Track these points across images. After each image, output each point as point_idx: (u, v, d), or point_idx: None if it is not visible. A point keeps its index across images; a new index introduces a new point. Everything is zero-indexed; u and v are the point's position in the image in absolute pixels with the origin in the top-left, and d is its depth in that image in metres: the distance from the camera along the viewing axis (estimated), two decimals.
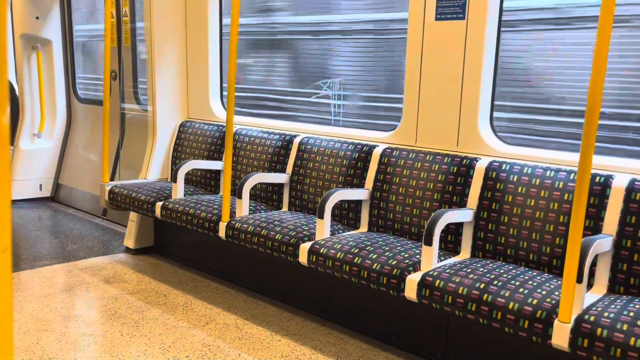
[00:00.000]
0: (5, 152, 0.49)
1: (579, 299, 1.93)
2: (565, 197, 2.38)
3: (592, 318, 1.88)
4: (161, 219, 3.38)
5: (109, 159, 3.82)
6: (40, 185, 5.42)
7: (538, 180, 2.47)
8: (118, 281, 3.48)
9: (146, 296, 3.26)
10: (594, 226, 2.29)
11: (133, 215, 4.02)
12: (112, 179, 4.80)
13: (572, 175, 2.40)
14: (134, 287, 3.39)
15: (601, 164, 2.39)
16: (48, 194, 5.49)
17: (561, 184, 2.41)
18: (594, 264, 2.26)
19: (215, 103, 4.06)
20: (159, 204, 3.39)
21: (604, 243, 2.15)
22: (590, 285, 2.27)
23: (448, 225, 2.62)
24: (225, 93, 4.07)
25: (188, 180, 3.90)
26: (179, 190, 3.46)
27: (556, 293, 2.06)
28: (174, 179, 3.47)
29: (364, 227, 3.01)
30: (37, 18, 5.19)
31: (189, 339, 2.74)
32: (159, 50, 3.94)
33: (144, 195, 3.51)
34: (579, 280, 1.92)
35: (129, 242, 4.02)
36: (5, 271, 0.48)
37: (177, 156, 4.04)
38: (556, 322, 1.91)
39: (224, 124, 3.87)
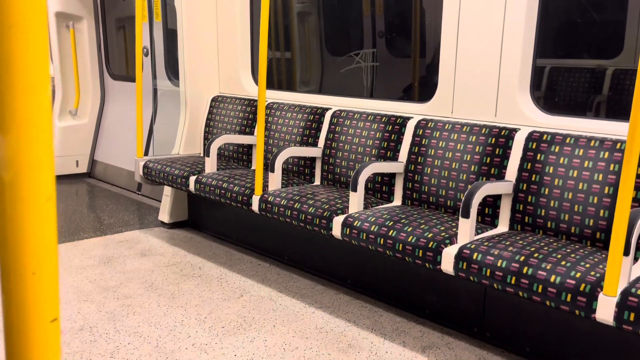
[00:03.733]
0: (47, 114, 0.48)
1: (626, 271, 1.86)
2: (611, 168, 2.28)
3: (639, 292, 1.81)
4: (195, 193, 3.41)
5: (142, 134, 3.86)
6: (77, 162, 5.53)
7: (581, 151, 2.37)
8: (154, 254, 3.54)
9: (181, 269, 3.31)
10: None
11: (167, 190, 4.06)
12: (145, 154, 4.86)
13: (619, 145, 2.30)
14: (169, 260, 3.44)
15: None
16: (84, 170, 5.60)
17: (607, 154, 2.31)
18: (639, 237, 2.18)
19: (245, 77, 4.03)
20: (193, 178, 3.41)
21: None
22: (636, 259, 2.18)
23: (485, 198, 2.56)
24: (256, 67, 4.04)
25: (220, 154, 3.91)
26: (212, 165, 3.48)
27: (600, 266, 1.99)
28: (207, 153, 3.48)
29: (397, 201, 2.97)
30: None
31: (224, 310, 2.78)
32: (189, 26, 3.93)
33: (177, 170, 3.54)
34: (626, 252, 1.85)
35: (164, 216, 4.07)
36: (49, 220, 0.47)
37: (209, 131, 4.05)
38: (601, 295, 1.85)
39: (255, 98, 3.85)
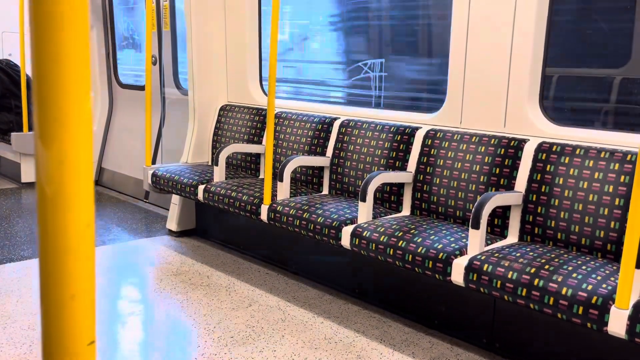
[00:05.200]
0: (89, 130, 0.49)
1: (638, 284, 1.86)
2: (622, 180, 2.28)
3: None
4: (203, 202, 3.42)
5: (151, 142, 3.88)
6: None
7: (592, 162, 2.37)
8: (161, 263, 3.54)
9: (190, 277, 3.32)
10: None
11: (175, 198, 4.08)
12: (153, 162, 4.88)
13: (630, 156, 2.30)
14: (177, 269, 3.45)
15: None
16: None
17: (617, 165, 2.31)
18: None
19: (254, 87, 4.05)
20: (201, 187, 3.43)
21: None
22: None
23: (495, 209, 2.56)
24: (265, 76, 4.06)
25: (228, 163, 3.93)
26: (220, 174, 3.49)
27: (612, 279, 1.99)
28: (215, 162, 3.49)
29: (406, 211, 2.97)
30: None
31: (233, 320, 2.78)
32: (198, 35, 3.96)
33: (186, 179, 3.56)
34: (638, 265, 1.84)
35: (172, 224, 4.09)
36: (89, 244, 0.48)
37: (218, 140, 4.07)
38: (613, 308, 1.84)
39: (264, 108, 3.87)
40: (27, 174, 5.39)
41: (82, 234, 0.48)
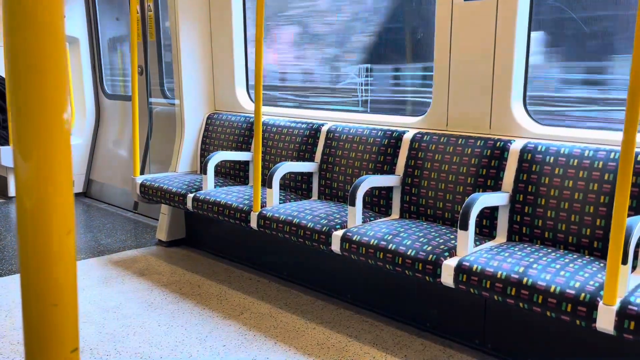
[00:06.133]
0: (67, 143, 0.49)
1: (624, 280, 1.88)
2: (606, 177, 2.31)
3: (638, 300, 1.82)
4: (192, 211, 3.41)
5: (138, 153, 3.86)
6: (72, 182, 5.52)
7: (576, 161, 2.40)
8: (152, 273, 3.52)
9: (180, 287, 3.30)
10: (637, 206, 2.22)
11: (164, 208, 4.06)
12: (141, 172, 4.86)
13: (613, 154, 2.33)
14: (168, 279, 3.43)
15: None
16: (80, 189, 5.59)
17: (601, 163, 2.34)
18: (637, 245, 2.20)
19: (241, 94, 4.06)
20: (190, 195, 3.42)
21: None
22: (634, 267, 2.20)
23: (483, 210, 2.58)
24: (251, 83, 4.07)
25: (217, 171, 3.92)
26: (209, 182, 3.48)
27: (599, 275, 2.01)
28: (204, 170, 3.49)
29: (395, 214, 2.98)
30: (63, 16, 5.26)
31: (225, 329, 2.77)
32: (184, 44, 3.96)
33: (175, 188, 3.55)
34: (624, 261, 1.87)
35: (161, 234, 4.07)
36: (70, 252, 0.48)
37: (206, 148, 4.07)
38: (601, 304, 1.86)
39: (251, 115, 3.87)
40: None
41: (62, 243, 0.48)
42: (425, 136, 2.91)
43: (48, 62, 0.49)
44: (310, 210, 2.91)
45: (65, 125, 0.51)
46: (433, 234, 2.53)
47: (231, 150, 3.88)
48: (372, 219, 2.89)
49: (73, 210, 0.51)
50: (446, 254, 2.33)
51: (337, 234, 2.65)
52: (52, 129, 0.49)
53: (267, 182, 3.13)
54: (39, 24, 0.48)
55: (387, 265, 2.44)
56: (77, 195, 5.59)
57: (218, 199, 3.26)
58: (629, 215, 2.16)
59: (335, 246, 2.64)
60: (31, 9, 0.47)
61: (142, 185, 3.76)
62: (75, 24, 5.35)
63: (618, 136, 2.39)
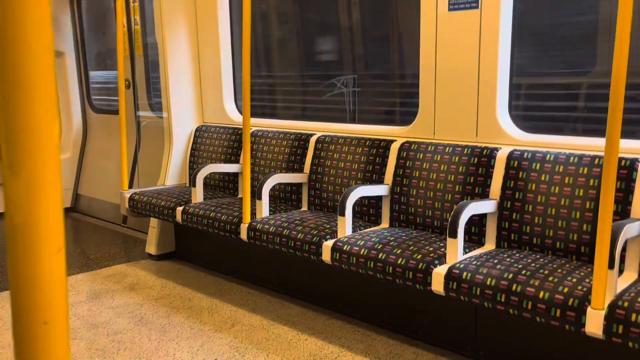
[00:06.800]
0: (57, 158, 0.50)
1: (612, 285, 1.90)
2: (591, 183, 2.34)
3: (625, 304, 1.85)
4: (182, 224, 3.40)
5: (127, 166, 3.85)
6: (62, 199, 5.47)
7: (562, 167, 2.43)
8: (142, 287, 3.50)
9: (171, 301, 3.28)
10: (621, 211, 2.25)
11: (153, 222, 4.04)
12: (130, 186, 4.83)
13: (597, 160, 2.36)
14: (158, 293, 3.41)
15: (626, 147, 2.35)
16: (68, 204, 5.55)
17: (586, 169, 2.37)
18: (623, 249, 2.23)
19: (229, 106, 4.07)
20: (180, 208, 3.41)
21: (633, 227, 2.11)
22: (621, 271, 2.23)
23: (471, 217, 2.60)
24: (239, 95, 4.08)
25: (206, 184, 3.91)
26: (198, 195, 3.48)
27: (587, 280, 2.03)
28: (192, 183, 3.48)
29: (385, 223, 3.00)
30: None
31: (216, 342, 2.75)
32: (171, 57, 3.96)
33: (164, 201, 3.54)
34: (611, 266, 1.89)
35: (151, 248, 4.04)
36: (60, 270, 0.49)
37: (195, 161, 4.06)
38: (589, 309, 1.88)
39: (240, 127, 3.88)
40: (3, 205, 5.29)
41: (52, 261, 0.49)
42: (413, 145, 2.94)
43: (37, 77, 0.49)
44: (300, 221, 2.92)
45: (55, 140, 0.51)
46: (423, 242, 2.54)
47: (220, 163, 3.87)
48: (362, 228, 2.90)
49: (63, 228, 0.51)
50: (436, 262, 2.34)
51: (328, 244, 2.66)
52: (42, 144, 0.50)
53: (256, 194, 3.13)
54: (27, 39, 0.48)
55: (378, 275, 2.45)
56: (65, 210, 5.54)
57: (207, 212, 3.26)
58: (614, 220, 2.19)
59: (326, 256, 2.65)
60: (19, 23, 0.47)
61: (130, 199, 3.74)
62: (61, 38, 5.34)
63: (602, 142, 2.43)
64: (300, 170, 3.41)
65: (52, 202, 0.49)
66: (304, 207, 3.39)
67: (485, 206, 2.55)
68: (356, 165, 3.14)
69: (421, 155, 2.88)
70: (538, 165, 2.50)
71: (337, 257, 2.59)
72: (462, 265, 2.24)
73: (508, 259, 2.26)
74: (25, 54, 0.48)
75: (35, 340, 0.49)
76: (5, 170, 0.49)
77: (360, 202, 3.06)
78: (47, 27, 0.48)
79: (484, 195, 2.64)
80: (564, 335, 2.29)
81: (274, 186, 3.45)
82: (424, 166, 2.85)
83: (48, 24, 0.48)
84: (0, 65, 0.48)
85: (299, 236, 2.78)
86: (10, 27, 0.47)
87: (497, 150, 2.66)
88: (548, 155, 2.50)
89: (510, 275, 2.10)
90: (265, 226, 2.94)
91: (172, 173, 4.10)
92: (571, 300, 1.93)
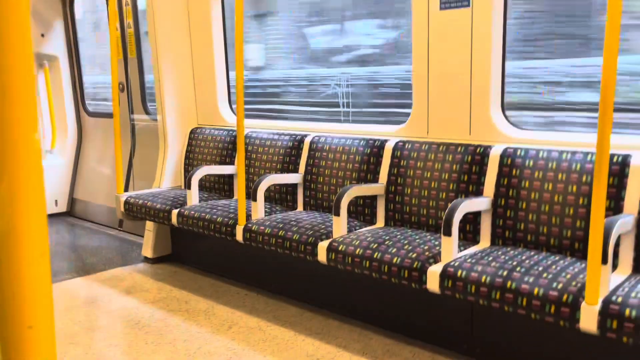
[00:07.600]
0: (38, 163, 0.50)
1: (605, 280, 1.91)
2: (584, 179, 2.35)
3: (619, 299, 1.85)
4: (178, 227, 3.40)
5: (122, 170, 3.85)
6: (56, 201, 5.46)
7: (554, 164, 2.44)
8: (139, 291, 3.49)
9: (168, 304, 3.27)
10: (614, 206, 2.26)
11: (149, 225, 4.04)
12: (125, 189, 4.83)
13: (589, 156, 2.37)
14: (155, 296, 3.40)
15: (618, 143, 2.36)
16: (64, 209, 5.53)
17: (578, 166, 2.38)
18: (617, 245, 2.23)
19: (224, 108, 4.07)
20: (175, 211, 3.40)
21: (626, 223, 2.12)
22: (614, 267, 2.24)
23: (466, 215, 2.60)
24: (233, 97, 4.08)
25: (201, 186, 3.91)
26: (193, 197, 3.48)
27: (581, 276, 2.04)
28: (188, 185, 3.48)
29: (380, 222, 3.00)
30: (42, 35, 5.23)
31: (213, 344, 2.75)
32: (164, 60, 3.96)
33: (159, 204, 3.53)
34: (604, 261, 1.90)
35: (147, 251, 4.04)
36: (44, 274, 0.49)
37: (190, 163, 4.06)
38: (583, 305, 1.89)
39: (234, 129, 3.88)
40: None
41: (36, 265, 0.49)
42: (407, 144, 2.94)
43: (16, 82, 0.49)
44: (295, 222, 2.92)
45: (36, 145, 0.51)
46: (418, 241, 2.54)
47: (215, 164, 3.87)
48: (357, 227, 2.90)
49: (47, 232, 0.51)
50: (431, 260, 2.34)
51: (323, 244, 2.66)
52: (23, 149, 0.50)
53: (252, 195, 3.13)
54: (6, 43, 0.48)
55: (374, 274, 2.45)
56: (61, 214, 5.53)
57: (203, 214, 3.26)
58: (607, 216, 2.20)
59: (322, 257, 2.65)
60: None
61: (126, 202, 3.74)
62: (55, 42, 5.33)
63: (594, 138, 2.44)
64: (295, 171, 3.41)
65: (35, 207, 0.50)
66: (300, 208, 3.39)
67: (480, 204, 2.55)
68: (351, 165, 3.14)
69: (415, 154, 2.89)
70: (531, 162, 2.51)
71: (333, 257, 2.59)
72: (457, 263, 2.24)
73: (503, 256, 2.27)
74: (4, 59, 0.48)
75: (21, 344, 0.49)
76: None
77: (355, 202, 3.06)
78: (26, 31, 0.48)
79: (478, 193, 2.64)
80: (560, 331, 2.29)
81: (269, 187, 3.45)
82: (418, 165, 2.85)
83: (27, 28, 0.48)
84: None
85: (294, 237, 2.78)
86: None
87: (491, 148, 2.67)
88: (541, 152, 2.50)
89: (505, 272, 2.11)
90: (261, 227, 2.94)
91: (167, 176, 4.10)
92: (566, 296, 1.94)
